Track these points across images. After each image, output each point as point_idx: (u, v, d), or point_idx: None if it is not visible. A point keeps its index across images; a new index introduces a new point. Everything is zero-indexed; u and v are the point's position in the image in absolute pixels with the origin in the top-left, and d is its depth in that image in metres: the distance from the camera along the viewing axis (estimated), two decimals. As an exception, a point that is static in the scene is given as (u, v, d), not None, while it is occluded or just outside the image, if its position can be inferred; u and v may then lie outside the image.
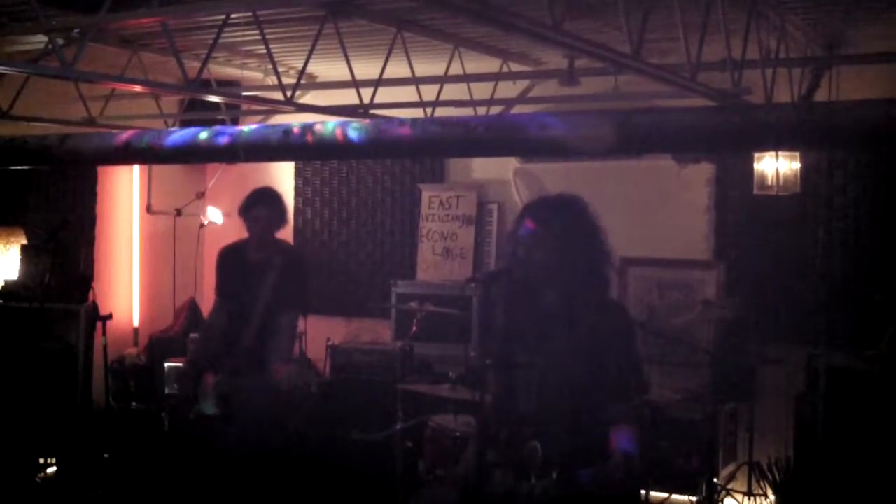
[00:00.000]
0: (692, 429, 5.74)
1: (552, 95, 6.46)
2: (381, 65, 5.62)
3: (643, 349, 5.68)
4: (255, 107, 7.19)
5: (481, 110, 6.43)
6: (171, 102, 7.57)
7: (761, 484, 5.89)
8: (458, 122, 4.86)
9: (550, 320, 3.27)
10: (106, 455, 6.46)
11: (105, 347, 6.09)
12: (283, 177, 8.20)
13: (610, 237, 3.34)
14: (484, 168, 7.51)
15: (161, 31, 5.01)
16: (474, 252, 7.38)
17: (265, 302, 5.14)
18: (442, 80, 6.18)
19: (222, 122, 6.91)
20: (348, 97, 5.91)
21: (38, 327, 6.06)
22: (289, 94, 5.32)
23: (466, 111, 6.22)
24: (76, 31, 4.55)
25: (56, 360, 6.22)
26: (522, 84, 6.76)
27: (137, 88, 5.55)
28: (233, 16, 4.83)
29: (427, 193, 7.59)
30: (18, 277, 6.48)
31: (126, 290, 7.92)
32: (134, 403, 6.88)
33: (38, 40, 5.40)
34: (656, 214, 6.66)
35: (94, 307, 6.23)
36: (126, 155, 5.71)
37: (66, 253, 6.88)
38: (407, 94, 6.16)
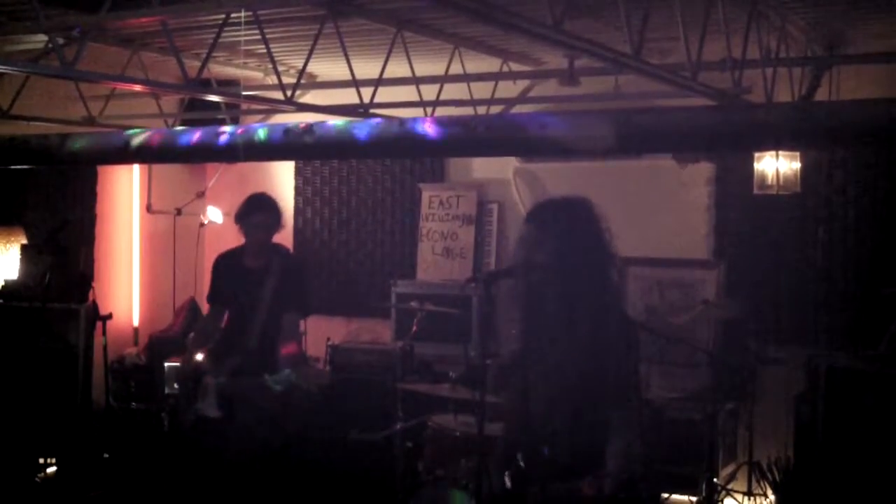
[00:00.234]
0: (692, 429, 5.73)
1: (552, 95, 6.46)
2: (381, 64, 5.62)
3: (643, 349, 5.69)
4: (255, 106, 7.19)
5: (481, 110, 6.43)
6: (171, 102, 7.57)
7: (761, 484, 5.89)
8: (458, 122, 4.87)
9: (551, 322, 3.26)
10: (106, 455, 6.46)
11: (105, 347, 6.09)
12: (283, 177, 8.21)
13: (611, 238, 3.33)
14: (484, 168, 7.51)
15: (161, 30, 5.01)
16: (474, 252, 7.38)
17: (266, 306, 5.15)
18: (442, 79, 6.18)
19: (222, 122, 6.91)
20: (348, 97, 5.90)
21: (38, 327, 6.06)
22: (289, 93, 5.32)
23: (466, 111, 6.22)
24: (76, 30, 4.55)
25: (56, 359, 6.22)
26: (522, 84, 6.76)
27: (137, 88, 5.55)
28: (233, 15, 4.83)
29: (427, 193, 7.59)
30: (18, 277, 6.49)
31: (126, 290, 7.91)
32: (134, 403, 6.87)
33: (39, 40, 5.40)
34: (656, 214, 6.66)
35: (94, 307, 6.23)
36: (126, 155, 5.72)
37: (66, 253, 6.88)
38: (407, 93, 6.16)
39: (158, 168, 8.01)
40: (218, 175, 8.19)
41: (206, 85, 5.95)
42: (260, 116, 7.74)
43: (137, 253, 8.00)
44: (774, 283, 6.31)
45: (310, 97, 7.18)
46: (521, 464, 3.16)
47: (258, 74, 7.17)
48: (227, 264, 5.43)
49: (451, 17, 5.24)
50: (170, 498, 5.89)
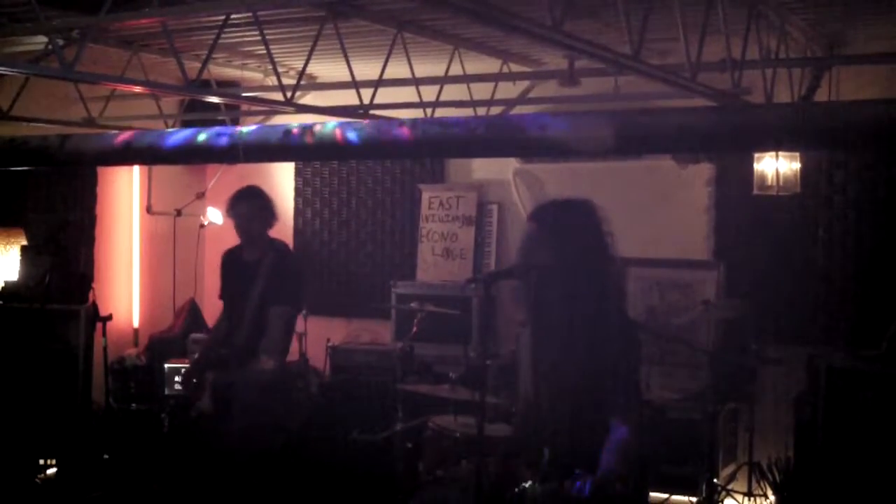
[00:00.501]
0: (692, 429, 5.73)
1: (552, 96, 6.46)
2: (381, 65, 5.62)
3: (643, 349, 5.68)
4: (255, 107, 7.19)
5: (481, 111, 6.43)
6: (171, 103, 7.57)
7: (761, 484, 5.89)
8: (458, 123, 4.86)
9: (551, 323, 3.26)
10: (106, 455, 6.45)
11: (105, 348, 6.09)
12: (283, 177, 8.21)
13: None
14: (484, 168, 7.50)
15: (161, 31, 5.01)
16: (474, 252, 7.38)
17: (256, 300, 5.16)
18: (442, 80, 6.18)
19: (222, 123, 6.91)
20: (348, 98, 5.91)
21: (38, 328, 6.05)
22: (289, 94, 5.33)
23: (466, 111, 6.22)
24: (76, 31, 4.56)
25: (56, 360, 6.22)
26: (522, 84, 6.77)
27: (137, 89, 5.56)
28: (233, 16, 4.83)
29: (427, 194, 7.59)
30: (19, 278, 6.48)
31: (126, 291, 7.91)
32: (134, 404, 6.86)
33: (39, 41, 5.41)
34: (656, 214, 6.65)
35: (94, 307, 6.22)
36: (126, 155, 5.72)
37: (66, 253, 6.88)
38: (407, 94, 6.16)
39: (158, 169, 8.01)
40: (218, 176, 8.18)
41: (206, 86, 5.95)
42: (260, 117, 7.74)
43: (137, 254, 8.00)
44: (774, 283, 6.31)
45: (310, 98, 7.18)
46: (521, 464, 3.16)
47: (258, 75, 7.17)
48: (228, 260, 5.49)
49: (451, 18, 5.25)
50: (170, 498, 5.89)
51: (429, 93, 6.17)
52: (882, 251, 6.01)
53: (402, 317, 7.05)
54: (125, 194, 7.93)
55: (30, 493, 6.06)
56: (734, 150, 5.83)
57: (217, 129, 5.50)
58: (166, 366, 6.90)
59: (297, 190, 8.20)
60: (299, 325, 5.95)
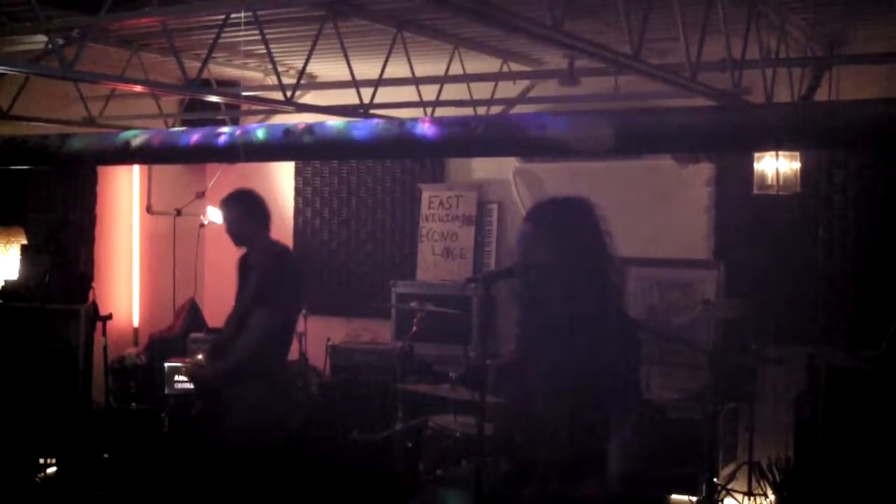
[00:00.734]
0: (692, 429, 5.73)
1: (552, 95, 6.46)
2: (381, 65, 5.62)
3: (643, 349, 5.68)
4: (255, 107, 7.19)
5: (481, 110, 6.43)
6: (171, 102, 7.57)
7: (761, 484, 5.89)
8: (458, 122, 4.86)
9: (551, 322, 3.26)
10: (106, 455, 6.46)
11: (105, 347, 6.09)
12: (283, 177, 8.21)
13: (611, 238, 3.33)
14: (484, 168, 7.51)
15: (161, 31, 5.01)
16: (474, 252, 7.38)
17: (245, 302, 5.14)
18: (442, 80, 6.18)
19: (222, 122, 6.91)
20: (348, 97, 5.91)
21: (38, 327, 6.05)
22: (289, 94, 5.33)
23: (466, 111, 6.22)
24: (76, 31, 4.55)
25: (56, 360, 6.22)
26: (522, 84, 6.76)
27: (137, 88, 5.55)
28: (233, 16, 4.83)
29: (427, 193, 7.59)
30: (18, 277, 6.48)
31: (126, 290, 7.91)
32: (134, 404, 6.87)
33: (38, 40, 5.40)
34: (656, 214, 6.65)
35: (94, 307, 6.22)
36: (126, 155, 5.72)
37: (66, 253, 6.88)
38: (407, 94, 6.16)
39: (158, 169, 8.01)
40: (218, 176, 8.18)
41: (206, 85, 5.95)
42: (260, 117, 7.74)
43: (137, 253, 8.00)
44: (774, 283, 6.31)
45: (310, 98, 7.18)
46: (519, 463, 3.16)
47: (258, 75, 7.17)
48: (240, 263, 5.48)
49: (451, 18, 5.25)
50: (170, 498, 5.90)
51: (429, 92, 6.17)
52: (882, 251, 6.01)
53: (402, 316, 7.05)
54: (125, 194, 7.94)
55: (30, 492, 6.06)
56: (734, 150, 5.83)
57: (217, 128, 5.50)
58: (166, 365, 6.91)
59: (297, 189, 8.20)
60: (300, 324, 5.94)
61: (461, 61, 6.07)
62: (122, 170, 7.81)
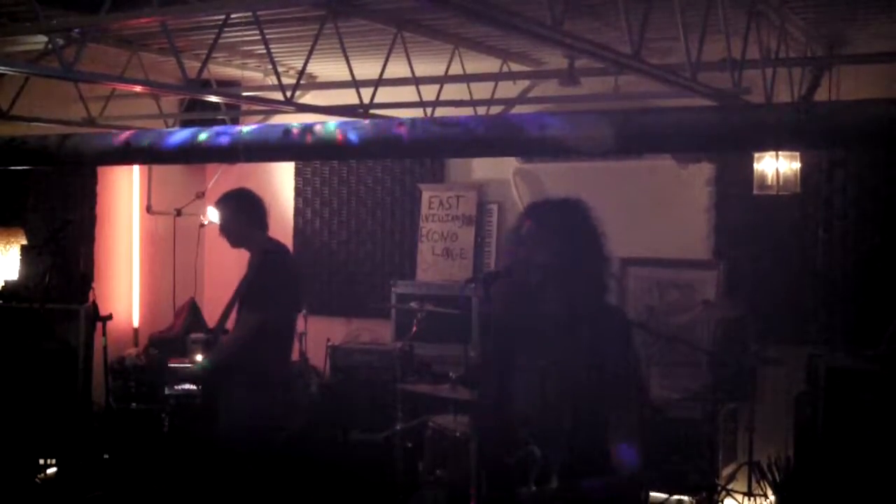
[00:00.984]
0: (692, 429, 5.73)
1: (552, 95, 6.46)
2: (381, 65, 5.62)
3: (643, 349, 5.68)
4: (255, 107, 7.19)
5: (481, 110, 6.43)
6: (171, 102, 7.57)
7: (761, 484, 5.89)
8: (457, 123, 4.85)
9: (551, 322, 3.26)
10: (106, 455, 6.46)
11: (105, 348, 6.09)
12: (283, 177, 8.21)
13: (610, 237, 3.33)
14: (484, 168, 7.51)
15: (161, 31, 5.01)
16: (474, 252, 7.38)
17: (238, 300, 5.13)
18: (442, 80, 6.18)
19: (222, 122, 6.91)
20: (348, 97, 5.91)
21: (38, 328, 6.05)
22: (289, 94, 5.33)
23: (466, 111, 6.22)
24: (76, 31, 4.55)
25: (56, 360, 6.22)
26: (522, 84, 6.76)
27: (137, 89, 5.55)
28: (233, 16, 4.83)
29: (427, 193, 7.59)
30: (18, 278, 6.48)
31: (126, 291, 7.91)
32: (134, 404, 6.87)
33: (39, 40, 5.40)
34: (656, 214, 6.65)
35: (94, 307, 6.22)
36: (126, 155, 5.71)
37: (66, 253, 6.87)
38: (407, 94, 6.16)
39: (158, 169, 8.01)
40: (218, 176, 8.18)
41: (206, 85, 5.95)
42: (260, 117, 7.74)
43: (137, 253, 8.00)
44: (774, 283, 6.31)
45: (309, 98, 7.18)
46: (514, 462, 3.15)
47: (258, 75, 7.17)
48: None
49: (451, 18, 5.24)
50: (170, 498, 5.90)
51: (429, 92, 6.17)
52: (882, 251, 6.01)
53: (402, 316, 7.05)
54: (125, 194, 7.93)
55: (30, 493, 6.06)
56: (734, 150, 5.83)
57: (217, 128, 5.49)
58: (167, 365, 6.90)
59: (297, 189, 8.20)
60: (300, 324, 5.94)
61: (461, 61, 6.07)
62: (122, 170, 7.81)
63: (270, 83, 6.93)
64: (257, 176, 7.84)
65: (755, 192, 5.93)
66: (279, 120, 7.08)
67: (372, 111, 5.79)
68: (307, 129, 5.12)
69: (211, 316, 7.62)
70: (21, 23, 5.14)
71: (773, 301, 6.29)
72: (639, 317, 6.43)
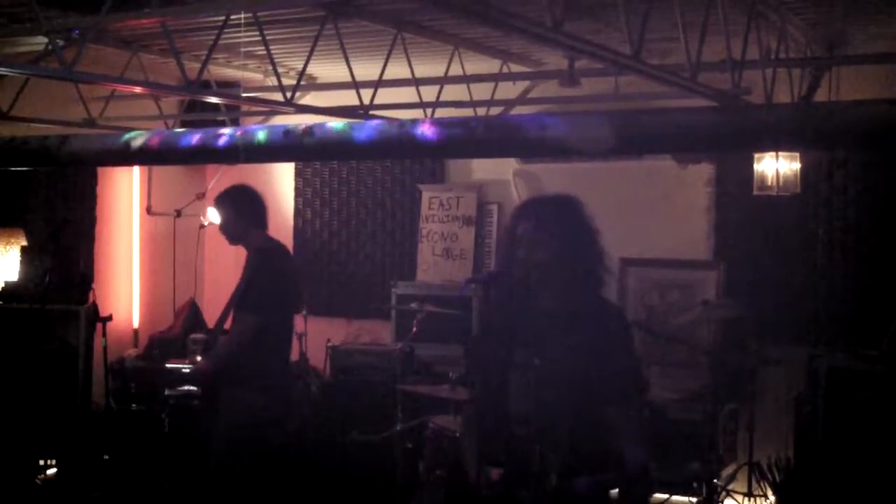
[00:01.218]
0: (692, 429, 5.73)
1: (552, 96, 6.46)
2: (381, 66, 5.62)
3: (643, 349, 5.69)
4: (255, 108, 7.19)
5: (481, 111, 6.43)
6: (171, 103, 7.57)
7: (761, 484, 5.89)
8: (458, 123, 4.86)
9: (548, 321, 3.26)
10: (106, 456, 6.46)
11: (105, 348, 6.08)
12: (283, 178, 8.21)
13: (610, 237, 3.33)
14: (484, 168, 7.51)
15: (161, 32, 5.00)
16: (474, 253, 7.38)
17: (235, 301, 5.11)
18: (442, 80, 6.18)
19: (222, 123, 6.91)
20: (348, 98, 5.91)
21: (38, 328, 6.05)
22: (289, 95, 5.32)
23: (466, 112, 6.22)
24: (76, 32, 4.55)
25: (56, 360, 6.22)
26: (522, 85, 6.77)
27: (137, 90, 5.56)
28: (233, 17, 4.83)
29: (427, 194, 7.59)
30: (18, 278, 6.48)
31: (126, 291, 7.91)
32: (134, 404, 6.87)
33: (39, 41, 5.40)
34: (656, 214, 6.66)
35: (94, 308, 6.22)
36: (126, 156, 5.72)
37: (66, 253, 6.88)
38: (407, 95, 6.16)
39: (158, 169, 8.01)
40: (218, 177, 8.18)
41: (206, 87, 5.95)
42: (260, 118, 7.74)
43: (137, 254, 7.99)
44: (774, 283, 6.31)
45: (310, 99, 7.18)
46: (513, 462, 3.15)
47: (258, 76, 7.17)
48: None
49: (451, 19, 5.25)
50: (170, 498, 5.90)
51: (429, 93, 6.17)
52: (882, 251, 6.01)
53: (402, 317, 7.05)
54: (125, 194, 7.93)
55: (30, 493, 6.07)
56: (734, 150, 5.84)
57: (217, 129, 5.50)
58: (166, 366, 6.90)
59: (297, 190, 8.20)
60: (299, 325, 5.94)
61: (461, 62, 6.07)
62: (122, 170, 7.81)
63: (270, 84, 6.93)
64: (257, 177, 7.83)
65: (755, 192, 5.93)
66: (279, 120, 7.09)
67: (372, 112, 5.79)
68: (307, 129, 5.13)
69: (211, 316, 7.61)
70: (21, 23, 5.14)
71: (773, 301, 6.30)
72: (639, 317, 6.45)
